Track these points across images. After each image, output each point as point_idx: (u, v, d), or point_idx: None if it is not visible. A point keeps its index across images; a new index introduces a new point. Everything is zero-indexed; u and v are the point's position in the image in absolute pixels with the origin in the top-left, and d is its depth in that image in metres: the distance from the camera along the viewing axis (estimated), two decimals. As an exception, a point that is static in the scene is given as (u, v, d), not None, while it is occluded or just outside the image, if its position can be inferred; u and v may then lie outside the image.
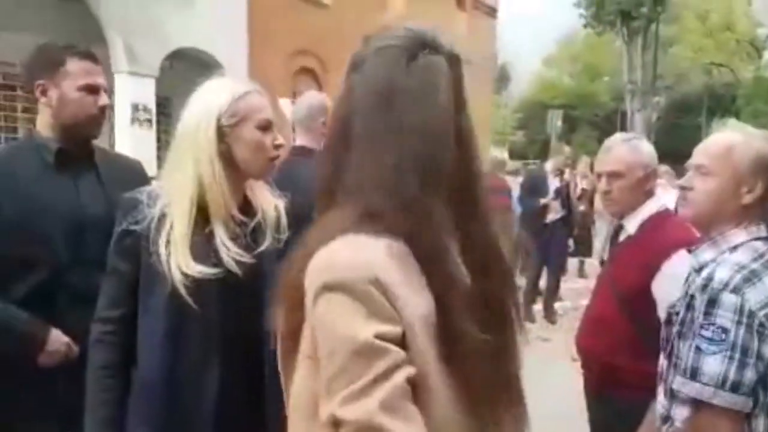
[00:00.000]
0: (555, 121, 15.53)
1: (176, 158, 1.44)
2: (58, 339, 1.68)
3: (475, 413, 0.83)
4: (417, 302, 0.80)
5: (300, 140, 2.71)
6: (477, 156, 0.90)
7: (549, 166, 6.93)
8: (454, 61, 0.88)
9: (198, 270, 1.33)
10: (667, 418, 1.50)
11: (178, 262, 1.34)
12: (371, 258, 0.80)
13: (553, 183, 6.62)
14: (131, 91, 8.39)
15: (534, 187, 6.73)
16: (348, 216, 0.82)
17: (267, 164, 1.48)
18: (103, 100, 1.81)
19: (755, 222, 1.49)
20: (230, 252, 1.37)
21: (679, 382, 1.40)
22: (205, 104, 1.41)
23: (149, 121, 8.61)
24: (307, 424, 0.82)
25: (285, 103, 3.46)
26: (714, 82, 30.67)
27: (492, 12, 19.51)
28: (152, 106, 8.68)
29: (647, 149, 2.05)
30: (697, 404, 1.37)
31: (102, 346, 1.43)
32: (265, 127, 1.44)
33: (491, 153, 9.17)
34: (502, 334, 0.88)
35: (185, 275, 1.32)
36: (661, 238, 1.92)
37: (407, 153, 0.82)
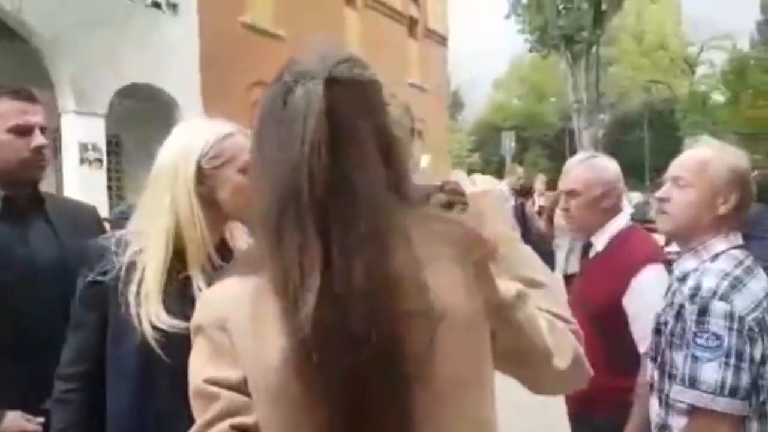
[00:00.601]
0: (508, 142, 15.80)
1: (151, 201, 1.36)
2: (13, 422, 1.55)
3: None
4: (265, 348, 0.76)
5: None
6: (356, 174, 0.79)
7: (504, 186, 7.02)
8: (334, 83, 0.80)
9: (169, 324, 1.25)
10: (663, 427, 1.51)
11: (149, 314, 1.27)
12: (225, 301, 0.82)
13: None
14: (79, 131, 8.14)
15: None
16: (239, 256, 0.83)
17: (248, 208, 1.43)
18: (38, 140, 1.68)
19: (731, 231, 1.54)
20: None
21: (677, 391, 1.42)
22: (185, 145, 1.35)
23: (99, 160, 8.36)
24: None
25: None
26: (653, 98, 31.98)
27: (443, 41, 19.93)
28: (102, 145, 8.44)
29: (606, 167, 2.05)
30: (695, 411, 1.38)
31: (64, 405, 1.34)
32: (248, 170, 1.38)
33: (452, 175, 9.22)
34: (381, 376, 0.75)
35: (156, 328, 1.26)
36: (627, 254, 1.91)
37: (267, 188, 0.80)
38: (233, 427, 0.77)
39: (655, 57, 34.59)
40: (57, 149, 7.89)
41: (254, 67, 11.17)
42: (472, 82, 44.22)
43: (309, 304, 0.73)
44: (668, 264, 1.92)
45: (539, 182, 8.37)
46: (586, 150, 19.34)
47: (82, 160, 8.09)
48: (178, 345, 1.20)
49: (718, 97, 31.41)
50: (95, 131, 8.32)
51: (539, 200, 7.89)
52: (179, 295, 1.30)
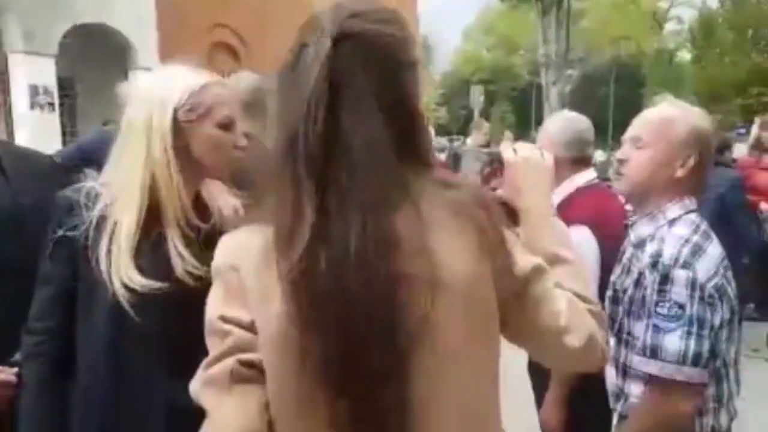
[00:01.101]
0: (477, 96, 15.74)
1: (123, 153, 1.29)
2: None
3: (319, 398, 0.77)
4: (268, 296, 0.79)
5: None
6: (356, 136, 0.79)
7: (470, 142, 7.03)
8: (342, 40, 0.80)
9: (142, 284, 1.21)
10: (619, 395, 1.51)
11: (120, 273, 1.22)
12: (235, 247, 0.86)
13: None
14: (28, 72, 7.76)
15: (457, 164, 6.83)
16: (252, 208, 0.87)
17: (227, 165, 1.35)
18: None
19: (687, 195, 1.51)
20: (185, 262, 1.25)
21: (638, 362, 1.41)
22: (159, 95, 1.27)
23: (51, 104, 8.01)
24: None
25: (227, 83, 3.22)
26: (620, 54, 32.19)
27: (411, -14, 19.47)
28: (53, 88, 8.08)
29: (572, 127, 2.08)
30: (655, 380, 1.37)
31: (35, 359, 1.30)
32: (227, 125, 1.32)
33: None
34: (377, 335, 0.76)
35: (126, 287, 1.21)
36: (565, 215, 1.94)
37: (273, 146, 0.83)
38: (240, 361, 0.81)
39: (625, 11, 34.63)
40: (5, 92, 7.53)
41: (212, 8, 10.76)
42: (440, 33, 43.63)
43: (293, 260, 0.76)
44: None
45: (506, 139, 8.47)
46: (554, 106, 19.45)
47: (33, 105, 7.74)
48: (151, 305, 1.22)
49: (685, 55, 31.87)
50: (45, 73, 7.94)
51: None
52: (153, 254, 1.26)
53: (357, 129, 0.79)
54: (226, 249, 0.87)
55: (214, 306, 0.85)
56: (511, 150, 1.05)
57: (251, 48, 11.72)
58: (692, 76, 26.05)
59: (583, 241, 1.76)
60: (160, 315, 1.24)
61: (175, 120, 1.27)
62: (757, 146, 5.17)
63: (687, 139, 1.48)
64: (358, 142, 0.79)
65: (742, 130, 5.61)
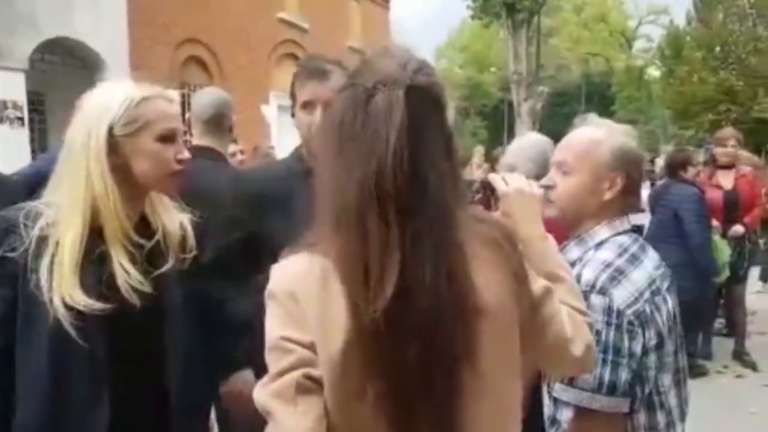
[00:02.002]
0: (450, 112, 16.01)
1: (64, 171, 1.28)
2: None
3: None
4: (330, 323, 0.87)
5: (202, 140, 2.49)
6: (430, 177, 0.89)
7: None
8: (413, 91, 0.90)
9: (84, 303, 1.19)
10: (554, 421, 1.51)
11: (62, 292, 1.19)
12: (293, 274, 0.92)
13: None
14: (-2, 87, 7.72)
15: None
16: (307, 236, 0.94)
17: (169, 179, 1.33)
18: None
19: (618, 216, 1.49)
20: (130, 277, 1.24)
21: (558, 389, 1.40)
22: (97, 110, 1.26)
23: (20, 119, 7.96)
24: None
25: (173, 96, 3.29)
26: (591, 71, 33.06)
27: (384, 3, 19.78)
28: (23, 102, 8.03)
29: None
30: (577, 409, 1.37)
31: None
32: (167, 137, 1.30)
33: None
34: (434, 366, 0.86)
35: (68, 307, 1.18)
36: None
37: (349, 185, 0.88)
38: (305, 375, 0.87)
39: (595, 29, 35.61)
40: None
41: (185, 24, 10.84)
42: (412, 48, 44.08)
43: (387, 294, 0.84)
44: None
45: (477, 155, 8.62)
46: (525, 122, 19.85)
47: (2, 119, 7.69)
48: (94, 325, 1.20)
49: (654, 72, 32.83)
50: (15, 88, 7.90)
51: (477, 173, 8.13)
52: (96, 273, 1.23)
53: (431, 173, 0.89)
54: (280, 275, 0.94)
55: (275, 327, 0.91)
56: (502, 181, 1.18)
57: (223, 64, 11.79)
58: (662, 92, 26.81)
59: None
60: (104, 335, 1.22)
61: (112, 136, 1.25)
62: (711, 162, 5.13)
63: (613, 160, 1.46)
64: (432, 185, 0.89)
65: (711, 146, 5.69)
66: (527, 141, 2.57)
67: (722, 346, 5.21)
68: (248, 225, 1.79)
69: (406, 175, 0.86)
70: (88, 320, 1.19)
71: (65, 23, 8.38)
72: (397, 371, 0.85)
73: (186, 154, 1.35)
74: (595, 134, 1.50)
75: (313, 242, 0.92)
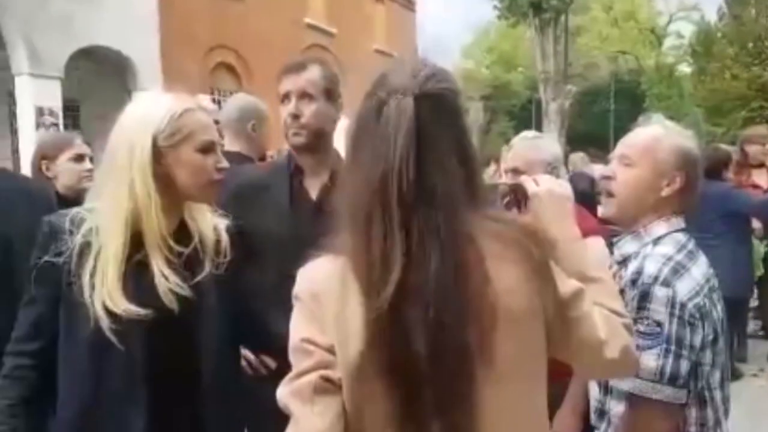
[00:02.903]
0: (477, 113, 16.00)
1: (106, 179, 1.34)
2: None
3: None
4: (348, 322, 0.90)
5: (233, 146, 2.60)
6: (437, 179, 0.92)
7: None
8: (423, 98, 0.94)
9: (124, 308, 1.25)
10: (602, 413, 1.53)
11: (104, 297, 1.25)
12: (317, 276, 0.97)
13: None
14: (34, 94, 8.00)
15: None
16: (332, 239, 0.97)
17: (209, 188, 1.38)
18: None
19: (674, 214, 1.53)
20: (169, 282, 1.30)
21: (617, 379, 1.41)
22: (140, 121, 1.32)
23: (56, 125, 8.23)
24: None
25: (204, 101, 3.40)
26: (619, 69, 32.63)
27: (410, 5, 19.85)
28: (58, 109, 8.31)
29: (548, 148, 2.20)
30: (634, 399, 1.38)
31: (14, 382, 1.32)
32: (207, 149, 1.36)
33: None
34: (437, 365, 0.88)
35: (109, 312, 1.24)
36: None
37: (361, 189, 0.93)
38: (322, 377, 0.91)
39: (624, 27, 35.14)
40: (13, 113, 7.75)
41: (214, 31, 11.06)
42: (438, 54, 44.20)
43: (388, 291, 0.87)
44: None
45: (504, 155, 8.60)
46: (553, 121, 19.69)
47: (38, 125, 7.96)
48: (132, 331, 1.25)
49: (685, 69, 32.27)
50: (51, 95, 8.20)
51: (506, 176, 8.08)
52: (136, 279, 1.28)
53: (441, 173, 0.92)
54: (303, 279, 0.98)
55: (298, 328, 0.95)
56: (532, 182, 1.18)
57: (251, 68, 11.99)
58: (693, 90, 26.35)
59: (606, 252, 1.89)
60: (142, 338, 1.27)
61: (155, 147, 1.30)
62: (744, 163, 4.92)
63: (674, 159, 1.50)
64: (441, 185, 0.92)
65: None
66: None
67: (757, 348, 5.13)
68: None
69: (411, 177, 0.90)
70: (128, 325, 1.25)
71: (99, 32, 8.65)
72: (407, 369, 0.87)
73: (224, 163, 1.40)
74: (658, 132, 1.54)
75: (336, 245, 0.95)
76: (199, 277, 1.35)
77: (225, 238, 1.43)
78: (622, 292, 1.45)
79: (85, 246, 1.28)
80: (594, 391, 1.57)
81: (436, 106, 0.95)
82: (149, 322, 1.26)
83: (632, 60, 32.67)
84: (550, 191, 1.16)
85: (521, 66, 35.83)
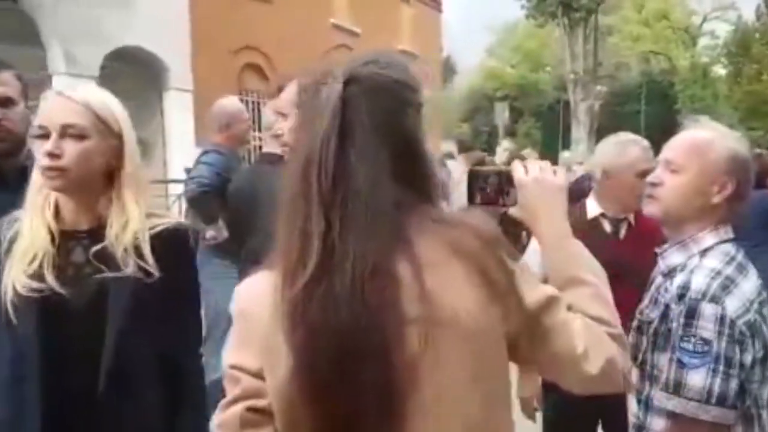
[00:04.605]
0: (502, 113, 16.10)
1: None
2: None
3: None
4: (277, 343, 0.83)
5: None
6: (361, 171, 0.85)
7: (498, 159, 7.26)
8: (353, 83, 0.88)
9: (23, 284, 1.31)
10: (641, 429, 1.49)
11: (12, 277, 1.33)
12: (249, 293, 0.92)
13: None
14: (71, 94, 8.34)
15: None
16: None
17: (46, 175, 1.36)
18: None
19: (723, 223, 1.47)
20: (69, 272, 1.36)
21: (660, 397, 1.38)
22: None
23: (91, 124, 8.58)
24: None
25: (232, 101, 3.67)
26: (651, 69, 32.36)
27: (436, 5, 20.03)
28: (93, 108, 8.65)
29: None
30: (678, 418, 1.34)
31: None
32: (40, 135, 1.37)
33: (441, 147, 9.54)
34: (370, 373, 0.80)
35: (14, 291, 1.32)
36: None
37: (290, 178, 0.88)
38: (248, 408, 0.87)
39: (657, 27, 34.85)
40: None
41: (242, 30, 11.37)
42: (462, 51, 44.21)
43: (298, 285, 0.81)
44: None
45: (532, 157, 8.74)
46: (582, 122, 19.68)
47: (75, 125, 8.30)
48: (28, 309, 1.32)
49: (720, 70, 31.88)
50: (86, 94, 8.52)
51: None
52: (43, 265, 1.34)
53: (363, 168, 0.84)
54: (239, 298, 0.94)
55: (228, 352, 0.93)
56: (521, 169, 1.05)
57: (278, 68, 12.29)
58: (728, 92, 26.05)
59: None
60: (37, 320, 1.33)
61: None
62: None
63: (725, 164, 1.44)
64: (362, 181, 0.84)
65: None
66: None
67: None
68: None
69: (330, 167, 0.84)
70: (25, 303, 1.32)
71: (132, 33, 9.00)
72: (327, 395, 0.80)
73: (49, 148, 1.37)
74: (708, 135, 1.49)
75: (272, 253, 0.89)
76: (109, 274, 1.36)
77: (146, 245, 1.39)
78: (667, 306, 1.44)
79: (14, 239, 1.38)
80: (633, 406, 1.55)
81: (367, 92, 0.88)
82: (42, 302, 1.32)
83: (664, 60, 32.38)
84: (538, 180, 1.03)
85: (548, 65, 35.69)
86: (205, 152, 3.40)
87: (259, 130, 9.83)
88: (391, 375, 0.80)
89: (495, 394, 0.89)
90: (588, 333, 0.91)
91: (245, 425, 0.87)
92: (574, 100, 20.22)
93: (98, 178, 1.40)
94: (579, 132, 19.65)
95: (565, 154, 10.41)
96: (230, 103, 3.52)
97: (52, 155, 1.33)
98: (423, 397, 0.82)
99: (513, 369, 0.97)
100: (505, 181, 1.05)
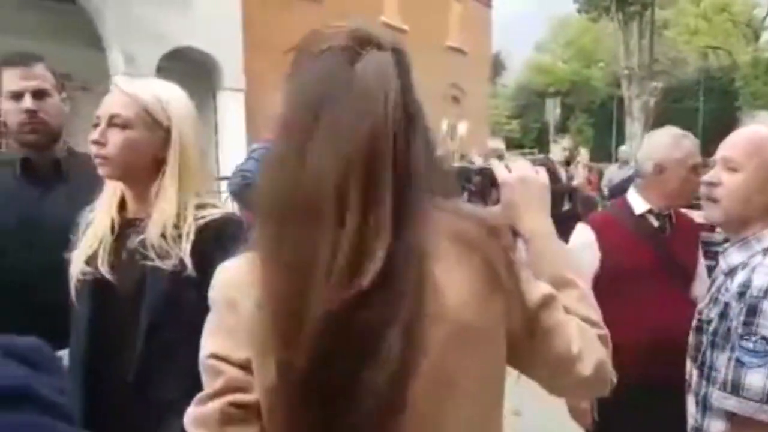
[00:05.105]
0: (553, 109, 15.86)
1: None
2: None
3: None
4: (266, 335, 0.76)
5: None
6: (418, 163, 0.78)
7: (554, 157, 7.02)
8: (398, 54, 0.81)
9: (80, 270, 1.43)
10: (698, 430, 1.48)
11: (75, 261, 1.44)
12: (235, 279, 0.81)
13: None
14: (129, 93, 8.64)
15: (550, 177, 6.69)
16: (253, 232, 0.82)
17: (96, 162, 1.46)
18: (25, 103, 1.77)
19: None
20: (113, 258, 1.42)
21: (718, 396, 1.36)
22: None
23: (149, 122, 8.86)
24: None
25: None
26: (710, 65, 31.23)
27: (486, 1, 19.86)
28: (150, 107, 8.95)
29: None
30: (738, 419, 1.33)
31: None
32: (95, 125, 1.45)
33: (489, 144, 9.44)
34: (367, 368, 0.72)
35: (75, 274, 1.44)
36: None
37: (327, 153, 0.75)
38: (232, 403, 0.77)
39: (716, 20, 33.60)
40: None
41: (292, 31, 11.56)
42: (511, 45, 43.68)
43: (349, 289, 0.72)
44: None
45: (583, 155, 8.53)
46: (637, 119, 19.17)
47: (134, 123, 8.60)
48: (82, 291, 1.43)
49: (784, 65, 30.48)
50: (145, 94, 8.81)
51: (583, 173, 8.01)
52: (103, 252, 1.43)
53: (419, 152, 0.79)
54: (220, 283, 0.84)
55: (209, 341, 0.82)
56: (503, 168, 1.03)
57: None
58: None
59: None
60: (87, 299, 1.43)
61: None
62: None
63: None
64: (418, 166, 0.78)
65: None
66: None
67: None
68: None
69: (402, 147, 0.76)
70: (80, 285, 1.43)
71: (188, 33, 9.26)
72: (320, 394, 0.73)
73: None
74: (765, 131, 1.46)
75: (260, 240, 0.79)
76: (149, 262, 1.39)
77: (188, 237, 1.41)
78: (726, 305, 1.43)
79: (88, 225, 1.48)
80: (691, 408, 1.53)
81: (408, 67, 0.83)
82: (93, 284, 1.41)
83: (724, 55, 31.17)
84: (522, 179, 1.01)
85: (601, 61, 34.90)
86: (254, 149, 3.52)
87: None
88: (386, 364, 0.72)
89: (489, 389, 0.85)
90: (581, 335, 0.88)
91: (227, 422, 0.77)
92: (628, 96, 19.72)
93: (146, 169, 1.45)
94: (633, 129, 19.15)
95: (623, 148, 10.20)
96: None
97: (97, 143, 1.41)
98: (421, 385, 0.75)
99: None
100: (488, 180, 1.04)
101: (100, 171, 1.44)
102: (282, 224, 0.76)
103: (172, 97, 1.48)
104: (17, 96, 1.78)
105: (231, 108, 10.25)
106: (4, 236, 1.73)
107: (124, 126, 1.41)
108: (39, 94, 1.79)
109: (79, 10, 8.24)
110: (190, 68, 9.76)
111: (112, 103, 1.43)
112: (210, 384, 0.80)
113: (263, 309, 0.75)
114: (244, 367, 0.79)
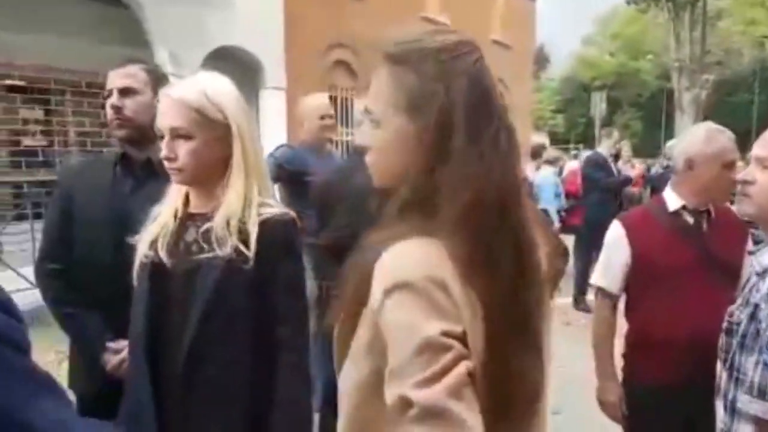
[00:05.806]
0: (599, 103, 15.50)
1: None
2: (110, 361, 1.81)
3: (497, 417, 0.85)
4: (469, 304, 0.84)
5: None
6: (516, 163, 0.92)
7: (604, 151, 6.76)
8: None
9: (142, 253, 1.51)
10: None
11: (139, 247, 1.52)
12: (432, 262, 0.84)
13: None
14: (175, 93, 8.81)
15: (599, 171, 6.50)
16: (411, 220, 0.89)
17: (169, 173, 1.54)
18: (111, 100, 1.90)
19: None
20: (171, 245, 1.49)
21: (744, 401, 1.35)
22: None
23: (193, 121, 9.02)
24: (371, 401, 0.90)
25: (308, 98, 3.73)
26: (766, 55, 30.00)
27: (531, -6, 19.54)
28: (196, 106, 9.10)
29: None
30: (764, 422, 1.31)
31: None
32: (160, 136, 1.53)
33: (532, 139, 9.26)
34: (525, 335, 0.90)
35: (138, 259, 1.52)
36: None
37: (488, 162, 0.87)
38: (468, 371, 0.81)
39: (773, 8, 32.20)
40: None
41: (333, 29, 11.56)
42: (556, 38, 42.83)
43: (507, 277, 0.86)
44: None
45: (626, 150, 8.28)
46: (687, 113, 18.58)
47: (179, 122, 8.77)
48: (142, 274, 1.50)
49: None
50: (190, 93, 8.97)
51: (625, 168, 7.78)
52: (171, 236, 1.51)
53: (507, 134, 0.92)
54: (419, 261, 0.85)
55: (422, 323, 0.81)
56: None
57: (369, 66, 12.42)
58: None
59: None
60: (148, 284, 1.49)
61: None
62: None
63: None
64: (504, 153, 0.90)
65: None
66: None
67: None
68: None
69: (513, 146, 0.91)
70: (142, 266, 1.51)
71: (232, 33, 9.36)
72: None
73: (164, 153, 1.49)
74: None
75: (422, 228, 0.87)
76: (203, 255, 1.45)
77: (253, 235, 1.45)
78: (756, 306, 1.42)
79: (155, 218, 1.56)
80: (719, 411, 1.52)
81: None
82: (151, 268, 1.48)
83: (782, 45, 29.88)
84: None
85: (650, 53, 33.94)
86: (278, 147, 3.56)
87: (346, 125, 10.04)
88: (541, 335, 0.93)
89: None
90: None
91: (468, 387, 0.80)
92: (678, 89, 19.13)
93: (215, 167, 1.49)
94: (683, 123, 18.57)
95: (671, 143, 9.85)
96: (305, 101, 3.62)
97: (168, 159, 1.47)
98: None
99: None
100: None
101: (175, 180, 1.51)
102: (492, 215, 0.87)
103: (219, 92, 1.48)
104: (110, 94, 1.91)
105: (273, 107, 10.33)
106: (96, 229, 1.85)
107: (187, 137, 1.45)
108: (125, 92, 1.89)
109: (122, 10, 8.41)
110: (233, 67, 9.88)
111: (167, 115, 1.45)
112: (437, 359, 0.79)
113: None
114: (463, 339, 0.83)
